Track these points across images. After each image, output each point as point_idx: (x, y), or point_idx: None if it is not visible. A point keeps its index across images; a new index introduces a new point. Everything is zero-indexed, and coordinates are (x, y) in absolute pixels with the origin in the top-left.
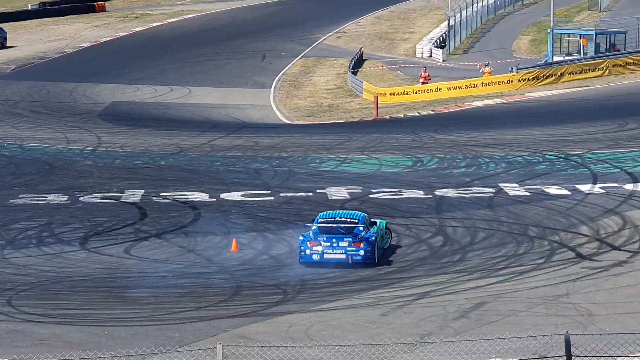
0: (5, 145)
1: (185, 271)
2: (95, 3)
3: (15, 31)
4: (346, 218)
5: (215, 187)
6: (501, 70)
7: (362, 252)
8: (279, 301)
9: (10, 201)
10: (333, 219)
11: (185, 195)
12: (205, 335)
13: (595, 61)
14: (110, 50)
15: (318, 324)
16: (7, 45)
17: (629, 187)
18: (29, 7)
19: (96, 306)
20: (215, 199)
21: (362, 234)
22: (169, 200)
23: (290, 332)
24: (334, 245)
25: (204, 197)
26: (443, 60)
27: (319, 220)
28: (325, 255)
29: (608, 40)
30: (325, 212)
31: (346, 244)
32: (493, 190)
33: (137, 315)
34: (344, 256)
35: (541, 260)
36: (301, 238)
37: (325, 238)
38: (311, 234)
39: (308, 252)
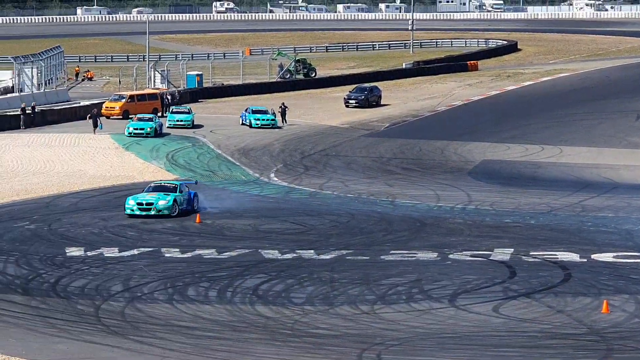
0: (378, 202)
1: (554, 332)
2: (467, 62)
3: (390, 89)
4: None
5: (585, 248)
6: None
7: None
8: None
9: (382, 257)
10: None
11: (555, 254)
12: None
13: None
14: (481, 108)
15: None
16: (382, 103)
17: None
18: (404, 66)
19: None
20: (585, 260)
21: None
22: (539, 260)
23: None
24: None
25: (574, 257)
26: None
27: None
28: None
29: None
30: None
31: None
32: None
33: None
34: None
35: None
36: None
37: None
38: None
39: None
